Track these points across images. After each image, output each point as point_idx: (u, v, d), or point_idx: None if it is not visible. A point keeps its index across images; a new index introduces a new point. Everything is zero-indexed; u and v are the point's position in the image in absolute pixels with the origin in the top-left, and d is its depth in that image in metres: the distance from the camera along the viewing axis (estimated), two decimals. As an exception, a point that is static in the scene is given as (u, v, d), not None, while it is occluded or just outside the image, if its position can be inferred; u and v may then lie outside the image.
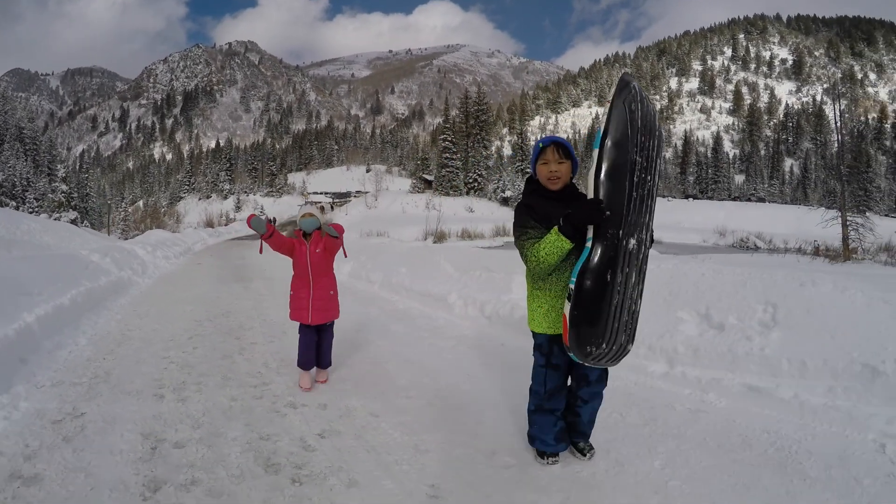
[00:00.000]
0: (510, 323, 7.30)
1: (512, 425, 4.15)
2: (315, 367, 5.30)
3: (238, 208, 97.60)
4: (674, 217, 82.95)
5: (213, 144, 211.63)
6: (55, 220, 36.00)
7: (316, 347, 5.23)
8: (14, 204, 43.54)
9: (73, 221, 41.38)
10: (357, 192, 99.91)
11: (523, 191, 3.50)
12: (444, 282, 9.55)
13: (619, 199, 3.02)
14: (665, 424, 4.16)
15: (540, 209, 3.31)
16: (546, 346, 3.44)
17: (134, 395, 4.85)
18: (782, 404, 4.37)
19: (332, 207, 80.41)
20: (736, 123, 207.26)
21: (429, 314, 8.76)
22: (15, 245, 14.77)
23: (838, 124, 27.98)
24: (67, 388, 5.00)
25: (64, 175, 51.21)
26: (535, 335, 3.50)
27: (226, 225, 66.80)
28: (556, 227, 3.10)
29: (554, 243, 3.10)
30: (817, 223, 24.89)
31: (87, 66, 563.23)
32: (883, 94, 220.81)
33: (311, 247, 5.07)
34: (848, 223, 23.80)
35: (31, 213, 38.90)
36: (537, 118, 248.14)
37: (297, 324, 5.33)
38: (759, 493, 3.18)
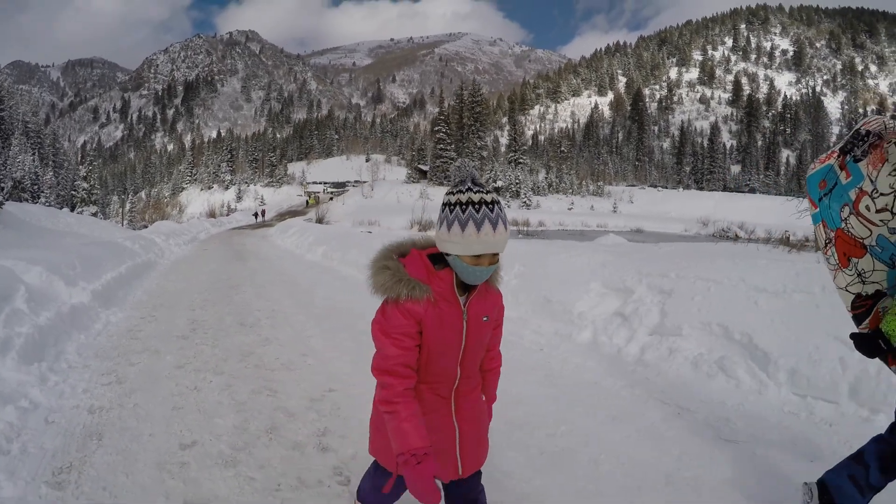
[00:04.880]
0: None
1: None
2: None
3: (239, 199, 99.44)
4: (664, 207, 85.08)
5: (214, 134, 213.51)
6: (79, 213, 39.12)
7: None
8: (26, 197, 45.80)
9: (94, 215, 44.29)
10: (355, 181, 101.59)
11: None
12: (374, 258, 13.50)
13: None
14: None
15: None
16: None
17: (179, 309, 8.71)
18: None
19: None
20: (734, 114, 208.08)
21: (356, 276, 12.50)
22: (68, 235, 18.01)
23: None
24: (141, 308, 8.77)
25: (85, 174, 53.91)
26: None
27: (227, 215, 68.95)
28: None
29: None
30: (791, 213, 26.45)
31: (88, 57, 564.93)
32: (883, 86, 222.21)
33: (473, 312, 2.18)
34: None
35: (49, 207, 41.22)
36: (537, 107, 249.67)
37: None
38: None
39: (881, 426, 3.96)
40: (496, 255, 2.05)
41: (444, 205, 2.06)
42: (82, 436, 3.80)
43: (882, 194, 2.42)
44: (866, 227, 2.50)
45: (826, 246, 2.71)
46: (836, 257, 2.67)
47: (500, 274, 2.24)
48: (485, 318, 2.20)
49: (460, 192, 2.03)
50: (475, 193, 2.00)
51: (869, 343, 2.53)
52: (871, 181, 2.44)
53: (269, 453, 3.64)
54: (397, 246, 2.21)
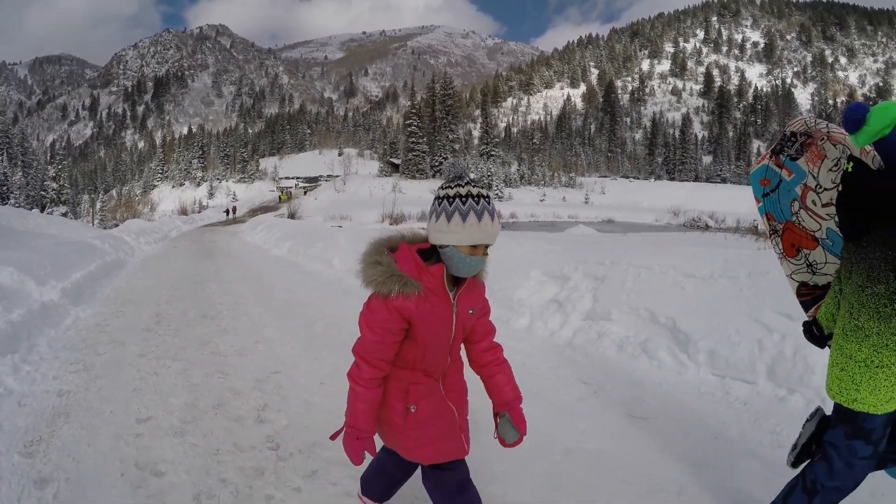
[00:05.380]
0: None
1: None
2: None
3: (211, 195, 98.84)
4: (635, 197, 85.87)
5: (185, 131, 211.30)
6: (49, 213, 38.97)
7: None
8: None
9: (64, 215, 44.07)
10: (328, 176, 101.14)
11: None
12: (337, 251, 14.10)
13: None
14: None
15: None
16: (880, 432, 2.29)
17: (145, 305, 8.91)
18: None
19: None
20: (706, 105, 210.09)
21: (320, 269, 13.70)
22: (39, 236, 18.33)
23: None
24: (110, 305, 9.01)
25: (54, 174, 53.47)
26: (856, 417, 2.28)
27: (199, 212, 68.73)
28: None
29: None
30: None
31: (56, 53, 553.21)
32: (853, 77, 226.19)
33: (462, 305, 2.30)
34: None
35: (18, 208, 40.93)
36: (509, 99, 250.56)
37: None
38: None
39: (797, 406, 4.34)
40: (488, 246, 2.16)
41: (442, 198, 2.15)
42: (51, 415, 4.26)
43: (826, 189, 2.53)
44: (815, 221, 2.61)
45: (771, 236, 2.84)
46: (781, 247, 2.79)
47: (485, 268, 2.30)
48: (470, 311, 2.32)
49: (459, 185, 2.14)
50: (473, 187, 2.12)
51: (807, 330, 2.69)
52: (814, 177, 2.55)
53: (213, 425, 4.13)
54: (387, 240, 2.28)
